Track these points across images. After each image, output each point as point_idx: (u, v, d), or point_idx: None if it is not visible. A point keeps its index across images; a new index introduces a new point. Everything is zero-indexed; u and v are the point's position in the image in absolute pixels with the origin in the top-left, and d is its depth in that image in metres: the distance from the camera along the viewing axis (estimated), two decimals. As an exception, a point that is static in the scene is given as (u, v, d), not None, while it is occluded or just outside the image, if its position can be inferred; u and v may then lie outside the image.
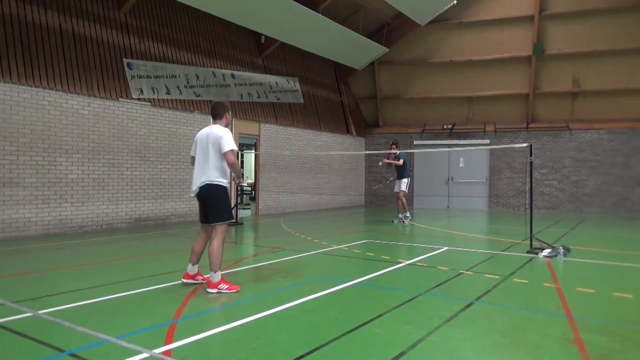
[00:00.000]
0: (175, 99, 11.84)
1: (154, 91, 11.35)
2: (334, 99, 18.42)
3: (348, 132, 18.70)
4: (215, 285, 4.83)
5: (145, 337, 3.52)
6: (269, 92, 15.07)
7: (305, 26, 13.86)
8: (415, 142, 18.60)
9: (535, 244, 7.65)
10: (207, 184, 4.97)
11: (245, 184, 18.70)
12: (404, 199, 12.01)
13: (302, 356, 3.14)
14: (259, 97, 14.60)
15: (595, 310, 4.35)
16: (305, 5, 12.85)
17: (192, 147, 5.25)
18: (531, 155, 7.81)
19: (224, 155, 4.90)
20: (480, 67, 17.20)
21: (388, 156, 12.30)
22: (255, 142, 14.76)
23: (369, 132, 19.76)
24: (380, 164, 12.88)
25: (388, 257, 6.95)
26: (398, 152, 12.14)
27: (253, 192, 16.28)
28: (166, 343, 3.37)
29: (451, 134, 18.11)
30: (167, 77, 11.78)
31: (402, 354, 3.20)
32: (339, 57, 17.00)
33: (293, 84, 16.19)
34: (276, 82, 15.43)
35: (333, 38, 15.02)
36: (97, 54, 10.40)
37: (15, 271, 6.06)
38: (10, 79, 8.78)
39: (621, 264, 6.64)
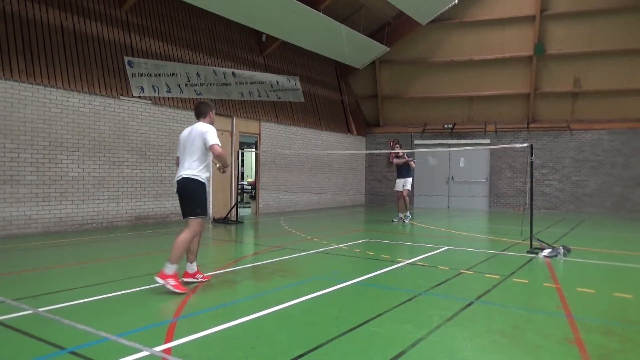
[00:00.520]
0: (176, 97, 11.84)
1: (154, 89, 11.34)
2: (334, 98, 18.42)
3: (349, 131, 18.70)
4: (164, 277, 4.71)
5: (145, 335, 3.53)
6: (270, 90, 15.07)
7: (306, 25, 13.85)
8: (415, 142, 18.59)
9: (536, 244, 7.65)
10: (183, 178, 4.97)
11: (246, 183, 18.72)
12: (407, 198, 12.02)
13: (302, 355, 3.14)
14: (259, 95, 14.59)
15: (595, 310, 4.36)
16: (306, 4, 12.83)
17: (178, 148, 5.29)
18: (532, 155, 7.80)
19: (210, 148, 4.90)
20: (481, 66, 17.19)
21: (390, 155, 12.13)
22: (255, 141, 14.76)
23: (370, 132, 19.76)
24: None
25: (388, 257, 6.95)
26: (402, 151, 12.11)
27: (253, 191, 16.29)
28: (166, 341, 3.37)
29: (452, 134, 18.11)
30: (167, 75, 11.78)
31: (401, 353, 3.20)
32: (339, 56, 16.98)
33: (294, 82, 16.19)
34: (277, 81, 15.43)
35: (334, 37, 15.01)
36: (98, 52, 10.40)
37: (15, 269, 6.07)
38: (11, 77, 8.78)
39: (621, 264, 6.64)
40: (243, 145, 15.52)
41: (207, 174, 5.10)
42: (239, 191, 14.89)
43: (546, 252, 7.13)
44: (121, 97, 10.59)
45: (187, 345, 3.31)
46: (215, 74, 13.16)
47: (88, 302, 4.42)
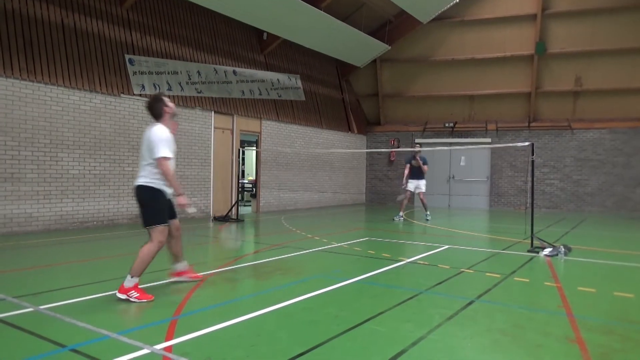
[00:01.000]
0: (177, 96, 11.83)
1: (155, 87, 11.34)
2: (335, 96, 18.40)
3: (349, 129, 18.69)
4: (126, 291, 4.38)
5: (146, 333, 3.53)
6: (271, 89, 15.06)
7: (307, 23, 13.83)
8: (416, 140, 18.56)
9: (536, 243, 7.64)
10: (137, 186, 4.66)
11: (247, 181, 18.72)
12: (424, 200, 12.55)
13: (302, 354, 3.14)
14: (260, 94, 14.58)
15: (595, 309, 4.35)
16: (307, 2, 12.82)
17: None
18: (533, 154, 7.79)
19: (156, 162, 4.55)
20: (482, 65, 17.17)
21: (414, 158, 12.39)
22: (256, 139, 14.76)
23: (370, 130, 19.74)
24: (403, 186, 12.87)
25: (389, 255, 6.95)
26: (418, 148, 12.59)
27: (254, 189, 16.29)
28: (167, 339, 3.37)
29: (452, 133, 18.09)
30: (168, 73, 11.77)
31: (402, 352, 3.20)
32: (340, 55, 16.97)
33: (295, 81, 16.17)
34: (278, 79, 15.42)
35: (335, 35, 14.99)
36: (99, 50, 10.39)
37: (16, 266, 6.07)
38: (12, 74, 8.78)
39: (622, 263, 6.63)
40: (244, 144, 15.51)
41: (162, 181, 4.67)
42: (240, 189, 14.89)
43: (547, 251, 7.13)
44: (122, 95, 10.59)
45: (187, 343, 3.31)
46: (216, 72, 13.15)
47: (89, 300, 4.42)
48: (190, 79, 12.29)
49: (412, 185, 12.40)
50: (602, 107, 16.05)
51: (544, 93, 16.66)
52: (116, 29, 10.87)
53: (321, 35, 14.89)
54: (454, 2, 15.97)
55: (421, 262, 6.53)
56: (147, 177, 4.60)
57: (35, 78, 9.12)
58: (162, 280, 5.21)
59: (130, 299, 4.36)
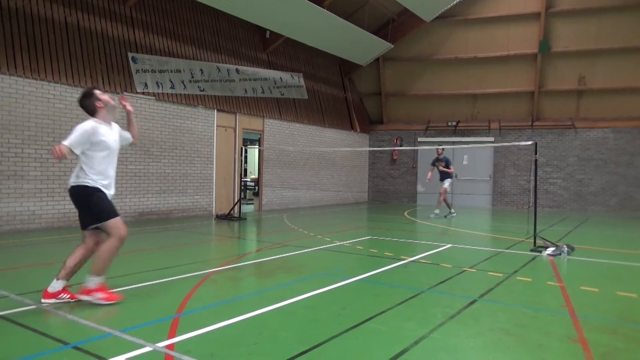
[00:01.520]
0: (180, 94, 11.84)
1: (158, 85, 11.35)
2: (338, 95, 18.39)
3: (352, 128, 18.67)
4: (89, 292, 4.12)
5: (148, 330, 3.53)
6: (273, 87, 15.05)
7: (310, 22, 13.82)
8: (419, 139, 18.55)
9: (539, 242, 7.62)
10: (69, 187, 4.32)
11: (249, 180, 18.73)
12: (441, 196, 13.18)
13: (304, 352, 3.14)
14: (263, 92, 14.58)
15: (598, 309, 4.34)
16: (310, 1, 12.81)
17: None
18: (536, 154, 7.77)
19: None
20: (485, 64, 17.13)
21: (437, 160, 13.24)
22: (259, 138, 14.76)
23: (373, 129, 19.72)
24: (424, 183, 13.76)
25: (391, 254, 6.95)
26: (441, 148, 13.17)
27: (256, 188, 16.30)
28: (169, 337, 3.38)
29: (455, 131, 18.06)
30: (171, 71, 11.78)
31: (404, 350, 3.20)
32: (343, 53, 16.95)
33: (297, 79, 16.16)
34: (280, 78, 15.41)
35: (338, 34, 14.97)
36: (102, 48, 10.41)
37: (19, 264, 6.09)
38: (16, 72, 8.80)
39: (625, 263, 6.61)
40: (246, 142, 15.52)
41: (97, 178, 4.35)
42: (242, 188, 14.90)
43: (550, 250, 7.11)
44: (125, 93, 10.60)
45: (190, 341, 3.31)
46: (219, 70, 13.15)
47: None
48: (193, 77, 12.30)
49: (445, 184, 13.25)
50: (606, 106, 15.99)
51: (547, 92, 16.61)
52: (119, 27, 10.88)
53: (324, 34, 14.88)
54: (457, 0, 15.92)
55: (423, 261, 6.53)
56: (79, 176, 4.27)
57: (39, 76, 9.13)
58: (165, 278, 5.22)
59: (95, 301, 4.10)
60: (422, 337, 3.47)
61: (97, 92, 4.44)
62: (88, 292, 4.13)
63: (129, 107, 4.71)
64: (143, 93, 10.98)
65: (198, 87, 12.39)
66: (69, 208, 9.60)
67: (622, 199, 15.66)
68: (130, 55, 10.94)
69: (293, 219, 11.93)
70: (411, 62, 18.13)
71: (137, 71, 11.00)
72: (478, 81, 17.39)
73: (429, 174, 13.33)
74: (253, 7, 12.48)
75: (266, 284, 5.13)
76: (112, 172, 4.55)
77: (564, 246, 7.12)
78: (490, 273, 5.76)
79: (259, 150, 14.84)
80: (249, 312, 3.98)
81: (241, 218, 11.71)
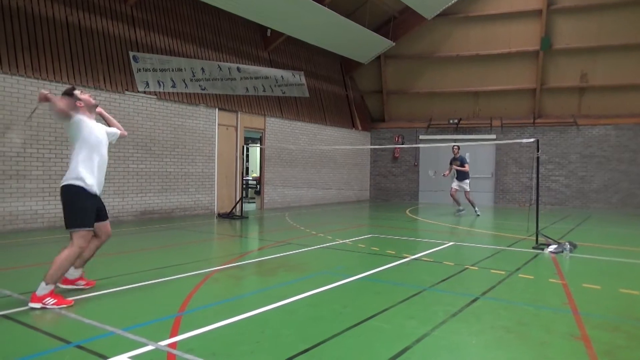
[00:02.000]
0: (181, 93, 11.85)
1: (159, 84, 11.36)
2: (339, 93, 18.37)
3: (353, 126, 18.66)
4: (40, 299, 3.99)
5: (151, 329, 3.54)
6: (275, 85, 15.05)
7: (311, 20, 13.80)
8: (420, 137, 18.54)
9: (541, 239, 7.61)
10: (61, 187, 4.30)
11: (251, 178, 18.74)
12: (455, 196, 13.24)
13: (306, 350, 3.14)
14: (264, 90, 14.58)
15: (601, 306, 4.33)
16: (311, -1, 12.80)
17: None
18: (538, 151, 7.75)
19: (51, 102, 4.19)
20: (487, 61, 17.09)
21: (454, 159, 13.29)
22: (260, 136, 14.76)
23: (375, 127, 19.71)
24: (438, 175, 14.15)
25: (393, 252, 6.95)
26: (457, 146, 13.23)
27: (258, 186, 16.30)
28: (172, 336, 3.38)
29: (457, 129, 18.04)
30: (172, 70, 11.78)
31: (406, 348, 3.20)
32: (345, 51, 16.94)
33: (299, 77, 16.16)
34: (282, 76, 15.40)
35: (339, 32, 14.96)
36: (104, 47, 10.41)
37: (21, 263, 6.11)
38: (17, 72, 8.81)
39: (627, 260, 6.60)
40: (248, 141, 15.52)
41: (87, 177, 4.25)
42: (244, 186, 14.91)
43: (552, 248, 7.09)
44: (126, 92, 10.61)
45: (192, 340, 3.31)
46: (220, 69, 13.15)
47: (93, 297, 4.44)
48: (194, 76, 12.30)
49: (455, 184, 13.24)
50: (608, 103, 15.96)
51: (549, 89, 16.58)
52: (120, 26, 10.89)
53: (325, 32, 14.86)
54: (459, -3, 15.90)
55: (425, 259, 6.52)
56: (70, 174, 4.25)
57: (40, 75, 9.14)
58: (166, 277, 5.23)
59: (47, 307, 3.98)
60: (424, 335, 3.47)
61: (76, 92, 4.48)
62: (39, 299, 4.01)
63: (99, 108, 4.69)
64: (144, 92, 10.99)
65: (199, 85, 12.39)
66: (71, 207, 9.64)
67: (624, 196, 15.63)
68: (131, 54, 10.95)
69: (295, 217, 11.94)
70: (412, 59, 18.11)
71: (139, 70, 11.00)
72: (480, 79, 17.36)
73: (447, 172, 13.41)
74: (254, 5, 12.47)
75: (268, 283, 5.14)
76: (99, 170, 4.47)
77: (566, 243, 7.11)
78: (492, 271, 5.75)
79: (261, 149, 14.84)
80: (251, 310, 3.98)
81: (243, 217, 11.72)
